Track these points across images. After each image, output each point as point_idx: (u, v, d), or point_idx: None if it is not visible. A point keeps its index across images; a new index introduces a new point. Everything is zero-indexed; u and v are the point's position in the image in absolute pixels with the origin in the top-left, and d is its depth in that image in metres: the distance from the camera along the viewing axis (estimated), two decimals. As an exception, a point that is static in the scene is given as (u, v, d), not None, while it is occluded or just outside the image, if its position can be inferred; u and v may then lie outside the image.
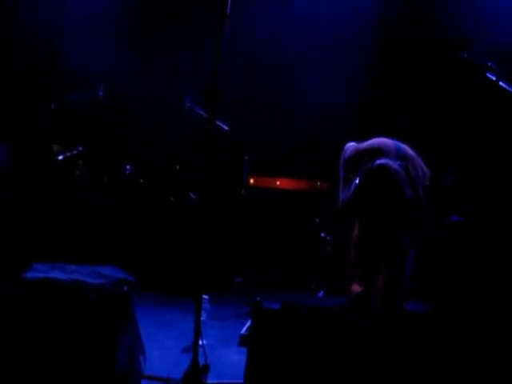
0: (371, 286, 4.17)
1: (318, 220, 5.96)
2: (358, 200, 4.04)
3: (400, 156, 4.07)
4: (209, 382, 3.60)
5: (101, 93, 6.28)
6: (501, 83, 4.77)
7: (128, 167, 6.36)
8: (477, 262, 5.11)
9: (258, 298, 3.13)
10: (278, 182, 6.31)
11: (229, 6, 3.74)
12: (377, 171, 3.99)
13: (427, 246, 4.66)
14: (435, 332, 3.18)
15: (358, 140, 4.22)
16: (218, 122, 6.07)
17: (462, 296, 4.97)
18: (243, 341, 3.70)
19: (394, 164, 4.01)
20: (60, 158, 6.16)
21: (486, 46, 5.72)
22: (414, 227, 4.06)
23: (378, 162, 3.99)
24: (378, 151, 4.06)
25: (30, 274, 3.50)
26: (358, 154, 4.13)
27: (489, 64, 4.83)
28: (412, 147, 4.17)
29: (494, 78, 4.77)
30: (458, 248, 5.25)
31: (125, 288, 3.44)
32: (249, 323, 3.68)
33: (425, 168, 4.18)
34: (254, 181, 6.32)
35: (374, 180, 4.00)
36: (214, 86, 3.72)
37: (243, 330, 3.93)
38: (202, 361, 3.55)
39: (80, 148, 6.20)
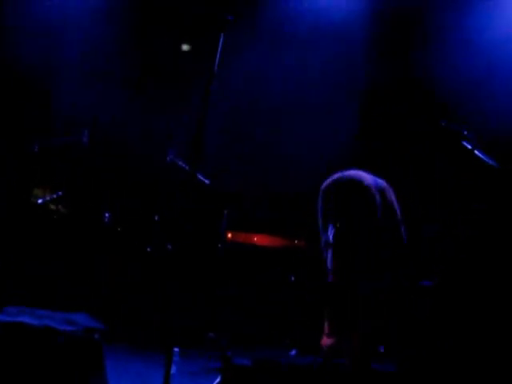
0: (343, 339, 4.17)
1: (293, 277, 5.98)
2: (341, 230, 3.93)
3: (377, 186, 4.03)
4: None
5: (85, 139, 6.32)
6: (476, 152, 4.91)
7: (107, 215, 6.36)
8: (443, 323, 5.17)
9: (229, 353, 3.12)
10: (255, 238, 6.34)
11: (216, 64, 3.84)
12: (347, 182, 3.92)
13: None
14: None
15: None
16: (199, 176, 6.15)
17: (429, 357, 5.00)
18: None
19: (367, 181, 3.96)
20: (39, 201, 6.15)
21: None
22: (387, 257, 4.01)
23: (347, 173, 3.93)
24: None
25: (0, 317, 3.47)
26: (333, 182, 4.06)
27: (465, 133, 4.99)
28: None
29: (469, 147, 4.92)
30: (426, 310, 5.31)
31: (96, 336, 3.42)
32: (218, 379, 3.66)
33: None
34: (232, 235, 6.34)
35: (344, 192, 3.91)
36: (198, 141, 3.76)
37: None
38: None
39: (60, 193, 6.21)
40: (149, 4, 7.17)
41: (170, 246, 6.19)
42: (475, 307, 5.22)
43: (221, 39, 3.78)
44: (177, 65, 7.16)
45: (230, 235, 6.33)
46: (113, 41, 6.99)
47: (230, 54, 3.99)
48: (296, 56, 6.94)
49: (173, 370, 3.51)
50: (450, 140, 5.10)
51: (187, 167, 6.14)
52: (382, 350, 5.01)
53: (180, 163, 6.25)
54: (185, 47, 4.08)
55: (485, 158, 4.95)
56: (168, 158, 6.27)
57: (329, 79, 6.82)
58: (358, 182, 3.96)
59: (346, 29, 6.84)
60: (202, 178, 6.16)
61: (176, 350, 3.98)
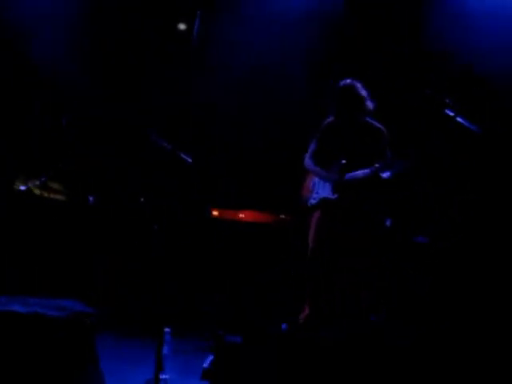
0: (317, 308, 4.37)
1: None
2: None
3: None
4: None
5: (64, 121, 6.27)
6: (458, 119, 5.00)
7: (91, 198, 6.32)
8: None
9: (220, 332, 3.14)
10: (241, 215, 6.33)
11: (195, 34, 3.83)
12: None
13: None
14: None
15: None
16: (181, 154, 6.11)
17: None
18: (205, 374, 3.69)
19: None
20: (22, 188, 6.10)
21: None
22: None
23: None
24: None
25: (-12, 307, 3.46)
26: None
27: (447, 101, 5.08)
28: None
29: (451, 114, 5.02)
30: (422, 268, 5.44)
31: (86, 321, 3.42)
32: (211, 357, 3.68)
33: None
34: (218, 213, 6.33)
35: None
36: (180, 119, 3.76)
37: (205, 364, 3.93)
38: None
39: (43, 178, 6.16)
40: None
41: (156, 227, 6.17)
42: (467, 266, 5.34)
43: (197, 17, 3.77)
44: (158, 43, 7.09)
45: (216, 213, 6.33)
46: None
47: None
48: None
49: (165, 350, 3.53)
50: (434, 107, 5.20)
51: (169, 146, 6.11)
52: (372, 319, 5.07)
53: (162, 142, 6.20)
54: (181, 26, 4.05)
55: (467, 124, 5.04)
56: (150, 138, 6.23)
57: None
58: None
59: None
60: (184, 157, 6.13)
61: (167, 330, 4.00)
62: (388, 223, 5.99)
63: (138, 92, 7.00)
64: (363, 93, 4.94)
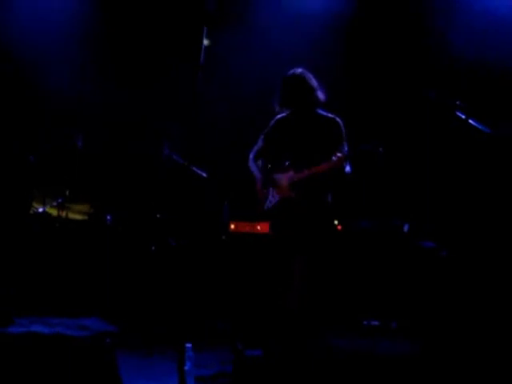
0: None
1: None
2: None
3: None
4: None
5: (79, 143, 6.31)
6: (470, 121, 4.94)
7: (108, 217, 6.36)
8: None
9: (239, 346, 3.14)
10: (258, 227, 6.32)
11: (202, 56, 3.86)
12: None
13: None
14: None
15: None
16: (195, 169, 6.15)
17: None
18: None
19: None
20: (40, 210, 6.17)
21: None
22: None
23: None
24: None
25: (12, 329, 3.49)
26: None
27: (457, 103, 5.01)
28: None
29: (463, 117, 4.94)
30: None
31: (107, 340, 3.44)
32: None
33: None
34: (235, 226, 6.34)
35: None
36: (192, 132, 3.78)
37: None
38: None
39: (60, 200, 6.22)
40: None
41: (173, 242, 6.19)
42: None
43: (204, 32, 3.80)
44: (167, 60, 7.16)
45: (232, 226, 6.33)
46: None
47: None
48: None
49: (187, 365, 3.54)
50: (443, 111, 5.12)
51: (183, 161, 6.14)
52: (394, 326, 5.03)
53: (176, 158, 6.24)
54: (205, 42, 4.09)
55: (479, 126, 4.98)
56: (164, 154, 6.27)
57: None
58: None
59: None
60: (198, 171, 6.16)
61: (188, 345, 4.02)
62: (406, 228, 5.95)
63: (151, 107, 7.07)
64: (313, 83, 4.59)
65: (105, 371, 3.42)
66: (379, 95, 6.86)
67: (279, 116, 4.74)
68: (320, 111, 4.63)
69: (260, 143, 4.81)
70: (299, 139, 4.58)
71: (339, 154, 4.30)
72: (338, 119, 4.57)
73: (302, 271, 4.25)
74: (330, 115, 4.61)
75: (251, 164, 4.80)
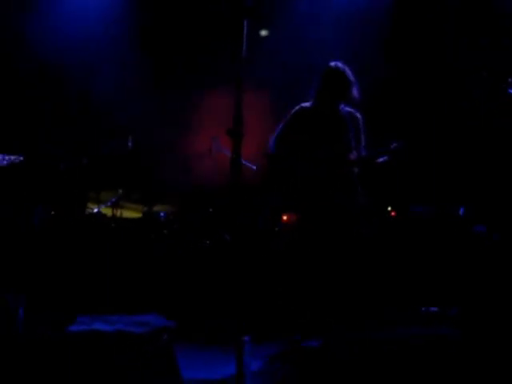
0: None
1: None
2: None
3: None
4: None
5: (130, 143, 6.40)
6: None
7: (162, 214, 6.45)
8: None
9: (297, 337, 3.13)
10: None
11: (244, 48, 3.82)
12: None
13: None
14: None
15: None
16: (245, 162, 6.16)
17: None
18: None
19: None
20: (95, 210, 6.28)
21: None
22: None
23: None
24: None
25: (74, 327, 3.58)
26: None
27: (510, 80, 4.91)
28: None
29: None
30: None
31: (165, 337, 3.49)
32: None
33: None
34: (288, 218, 6.32)
35: None
36: (237, 127, 3.77)
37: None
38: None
39: (113, 199, 6.33)
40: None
41: (227, 237, 6.22)
42: None
43: (245, 26, 3.77)
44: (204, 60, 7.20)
45: (285, 218, 6.32)
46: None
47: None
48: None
49: (245, 359, 3.55)
50: (495, 88, 5.04)
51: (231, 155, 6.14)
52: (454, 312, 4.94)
53: (225, 152, 6.26)
54: (263, 32, 4.05)
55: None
56: (212, 150, 6.30)
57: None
58: None
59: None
60: (248, 164, 6.17)
61: (246, 339, 4.03)
62: (462, 212, 5.84)
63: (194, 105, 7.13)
64: (352, 79, 4.58)
65: (164, 365, 3.47)
66: (426, 79, 6.74)
67: (303, 106, 4.73)
68: (345, 106, 4.70)
69: (284, 130, 4.75)
70: (331, 132, 4.66)
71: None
72: (360, 115, 4.72)
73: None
74: (354, 111, 4.73)
75: (282, 151, 4.74)
